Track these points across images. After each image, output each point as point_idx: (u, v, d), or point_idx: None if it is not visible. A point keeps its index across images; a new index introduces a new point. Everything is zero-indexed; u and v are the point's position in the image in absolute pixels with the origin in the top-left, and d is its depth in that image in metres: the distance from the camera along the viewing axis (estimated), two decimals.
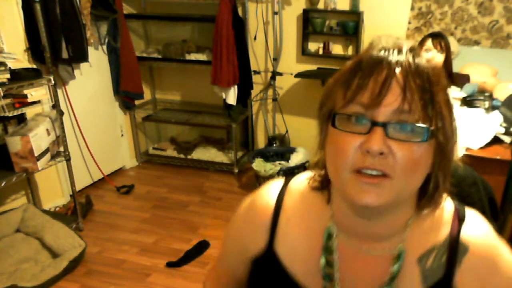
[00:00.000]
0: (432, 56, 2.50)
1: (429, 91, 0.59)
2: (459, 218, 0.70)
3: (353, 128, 0.59)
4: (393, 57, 0.60)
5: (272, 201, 0.76)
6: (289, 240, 0.73)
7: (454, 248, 0.68)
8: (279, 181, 0.79)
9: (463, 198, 1.11)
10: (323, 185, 0.73)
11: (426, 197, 0.66)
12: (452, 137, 0.63)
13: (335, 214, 0.70)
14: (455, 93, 2.41)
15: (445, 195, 0.70)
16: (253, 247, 0.76)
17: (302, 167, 3.31)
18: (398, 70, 0.59)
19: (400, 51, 0.61)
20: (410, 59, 0.60)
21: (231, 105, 3.54)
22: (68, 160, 2.79)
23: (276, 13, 3.56)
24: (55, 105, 2.70)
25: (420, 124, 0.58)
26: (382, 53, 0.61)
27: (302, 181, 0.77)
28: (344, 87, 0.62)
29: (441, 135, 0.61)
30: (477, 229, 0.70)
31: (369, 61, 0.61)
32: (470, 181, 1.13)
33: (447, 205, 0.72)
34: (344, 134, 0.60)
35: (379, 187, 0.58)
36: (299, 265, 0.72)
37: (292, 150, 3.60)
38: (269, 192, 0.78)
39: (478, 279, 0.67)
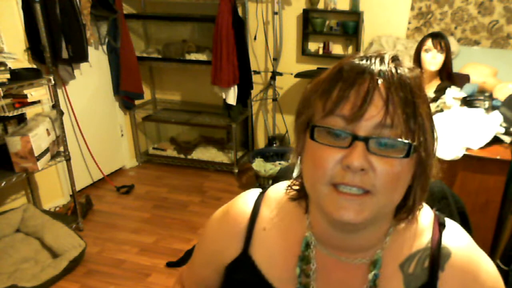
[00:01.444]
0: (432, 56, 2.50)
1: (412, 103, 0.57)
2: (440, 224, 0.69)
3: (332, 141, 0.57)
4: (376, 66, 0.58)
5: (248, 209, 0.74)
6: (266, 246, 0.72)
7: (436, 252, 0.66)
8: (255, 191, 0.78)
9: None
10: (301, 195, 0.71)
11: (404, 209, 0.65)
12: (433, 152, 0.62)
13: (312, 224, 0.69)
14: (455, 93, 2.40)
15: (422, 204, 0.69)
16: (228, 252, 0.74)
17: None
18: (380, 81, 0.56)
19: (382, 60, 0.59)
20: (393, 70, 0.58)
21: (231, 105, 3.54)
22: (68, 160, 2.79)
23: (276, 13, 3.56)
24: (55, 105, 2.70)
25: (403, 140, 0.56)
26: (364, 61, 0.59)
27: (279, 190, 0.76)
28: (323, 97, 0.59)
29: (423, 151, 0.59)
30: (458, 235, 0.69)
31: (351, 70, 0.58)
32: (439, 195, 1.10)
33: (426, 212, 0.71)
34: (323, 148, 0.58)
35: (360, 204, 0.57)
36: (276, 272, 0.70)
37: (292, 150, 3.59)
38: (245, 200, 0.76)
39: (461, 284, 0.66)
